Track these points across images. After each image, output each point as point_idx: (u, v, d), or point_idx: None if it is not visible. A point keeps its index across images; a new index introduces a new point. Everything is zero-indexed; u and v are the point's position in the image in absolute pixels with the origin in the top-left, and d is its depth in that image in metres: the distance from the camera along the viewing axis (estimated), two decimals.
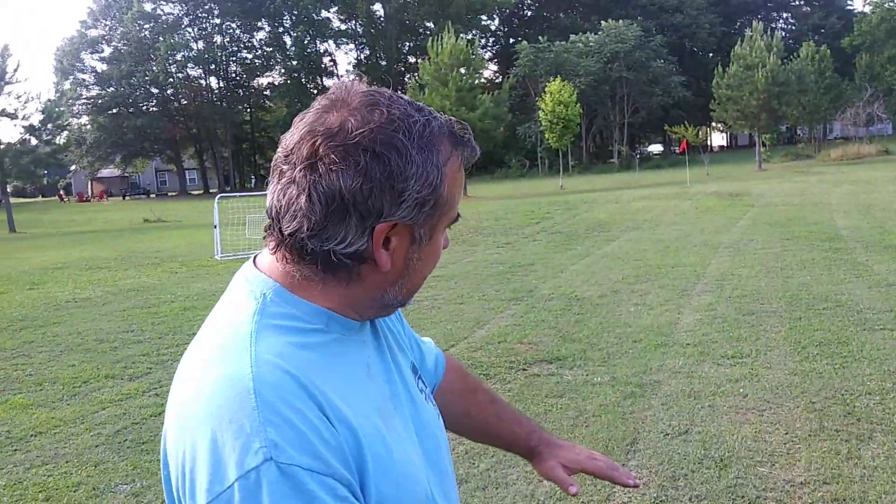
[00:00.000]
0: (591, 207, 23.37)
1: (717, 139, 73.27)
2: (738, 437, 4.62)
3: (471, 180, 38.54)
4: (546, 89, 43.16)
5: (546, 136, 44.06)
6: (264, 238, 1.04)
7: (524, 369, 6.29)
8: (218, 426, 0.88)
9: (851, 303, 7.98)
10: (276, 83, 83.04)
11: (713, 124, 57.62)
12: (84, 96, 71.92)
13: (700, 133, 57.82)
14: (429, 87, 35.42)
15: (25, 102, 33.23)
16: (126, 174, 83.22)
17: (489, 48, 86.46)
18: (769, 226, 15.35)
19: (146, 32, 73.21)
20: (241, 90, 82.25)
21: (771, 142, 48.32)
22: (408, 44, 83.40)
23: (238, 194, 25.70)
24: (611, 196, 28.06)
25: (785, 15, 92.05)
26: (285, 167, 0.97)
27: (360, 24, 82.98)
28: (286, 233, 0.98)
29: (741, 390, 5.45)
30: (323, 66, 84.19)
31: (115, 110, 72.65)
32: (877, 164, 36.85)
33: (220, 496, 0.86)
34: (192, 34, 78.15)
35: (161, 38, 71.14)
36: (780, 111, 43.61)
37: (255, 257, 1.09)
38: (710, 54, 78.56)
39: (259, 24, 79.45)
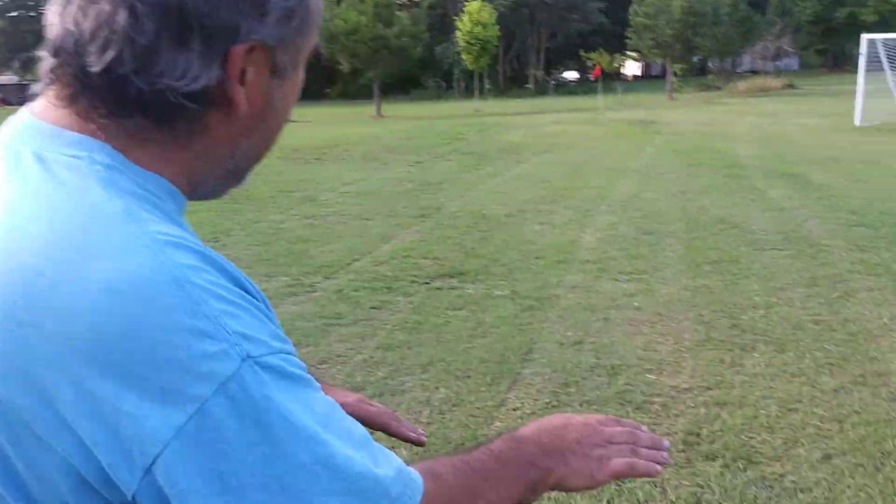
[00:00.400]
0: (504, 130, 23.38)
1: (632, 68, 74.10)
2: (629, 347, 4.76)
3: (386, 100, 37.99)
4: (465, 9, 42.53)
5: (463, 57, 43.61)
6: (46, 85, 0.74)
7: (427, 283, 6.32)
8: (144, 345, 0.62)
9: (745, 225, 8.27)
10: None
11: (628, 53, 58.11)
12: None
13: (615, 61, 58.24)
14: (345, 1, 34.44)
15: None
16: (25, 81, 79.01)
17: None
18: (675, 153, 15.68)
19: None
20: None
21: (683, 73, 49.07)
22: None
23: None
24: (524, 120, 28.11)
25: None
26: None
27: None
28: (95, 69, 0.68)
29: (635, 304, 5.61)
30: None
31: (14, 13, 68.40)
32: (782, 97, 37.95)
33: (183, 432, 0.61)
34: None
35: None
36: (693, 42, 44.27)
37: (30, 115, 0.75)
38: None
39: None
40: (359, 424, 0.72)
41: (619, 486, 3.20)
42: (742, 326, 5.06)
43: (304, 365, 0.71)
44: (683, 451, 3.48)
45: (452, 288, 6.15)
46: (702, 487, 3.18)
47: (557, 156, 16.05)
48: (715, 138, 18.49)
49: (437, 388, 4.24)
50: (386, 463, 0.70)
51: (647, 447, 0.95)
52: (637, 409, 3.92)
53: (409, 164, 15.25)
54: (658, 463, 0.94)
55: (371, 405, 1.23)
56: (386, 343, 4.92)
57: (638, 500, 3.11)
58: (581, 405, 3.98)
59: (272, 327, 0.70)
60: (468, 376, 4.38)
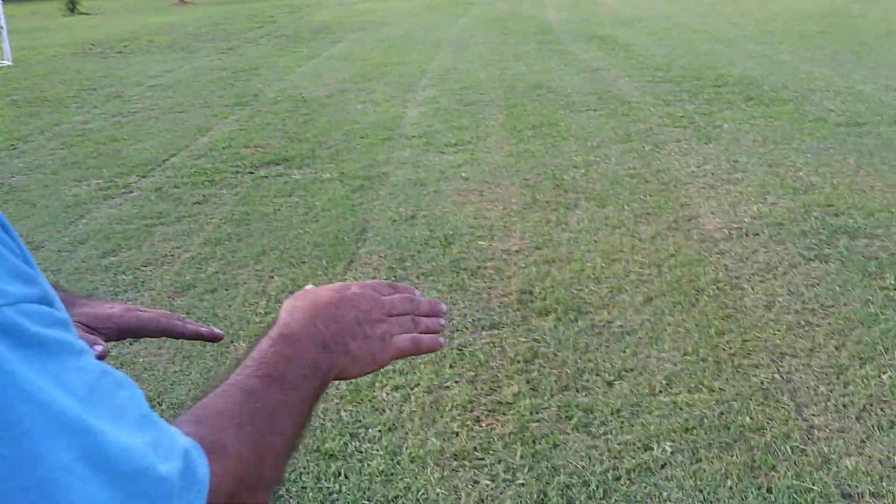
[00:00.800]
0: (314, 10, 22.50)
1: None
2: (460, 216, 4.84)
3: None
4: None
5: None
6: None
7: (251, 172, 6.10)
8: None
9: (561, 88, 8.48)
10: None
11: None
12: None
13: None
14: None
15: None
16: None
17: None
18: (488, 22, 15.70)
19: None
20: None
21: None
22: None
23: None
24: None
25: None
26: None
27: None
28: None
29: (463, 174, 5.68)
30: None
31: None
32: None
33: None
34: None
35: None
36: None
37: None
38: None
39: None
40: (137, 394, 0.55)
41: (461, 350, 3.30)
42: (565, 186, 5.25)
43: (61, 316, 0.53)
44: (518, 309, 3.62)
45: (279, 175, 5.97)
46: (538, 342, 3.33)
47: (372, 33, 15.68)
48: (525, 6, 18.64)
49: (272, 277, 4.16)
50: (171, 452, 0.54)
51: (426, 314, 0.86)
52: (472, 275, 4.01)
53: (220, 51, 14.43)
54: (437, 330, 0.86)
55: (144, 311, 1.03)
56: (214, 237, 4.74)
57: (479, 361, 3.22)
58: (418, 277, 4.03)
59: (13, 262, 0.52)
60: (303, 262, 4.32)
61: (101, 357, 0.89)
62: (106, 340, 0.98)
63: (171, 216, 5.17)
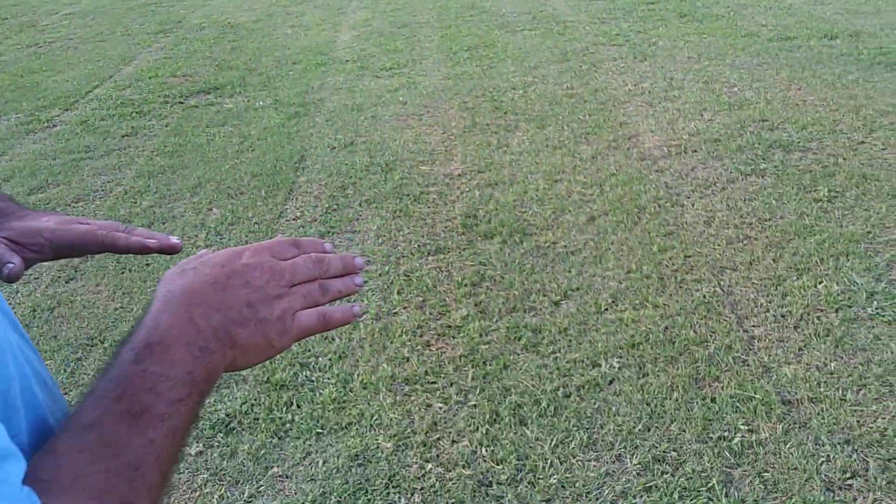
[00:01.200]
0: None
1: None
2: (400, 142, 4.77)
3: None
4: None
5: None
6: None
7: (181, 102, 5.89)
8: None
9: (495, 9, 8.34)
10: None
11: None
12: None
13: None
14: None
15: None
16: None
17: None
18: None
19: None
20: None
21: None
22: None
23: None
24: None
25: None
26: None
27: None
28: None
29: (401, 99, 5.58)
30: None
31: None
32: None
33: None
34: None
35: None
36: None
37: None
38: None
39: None
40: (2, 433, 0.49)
41: (408, 276, 3.29)
42: (504, 108, 5.20)
43: None
44: (463, 233, 3.61)
45: (210, 104, 5.79)
46: (484, 265, 3.34)
47: None
48: None
49: (210, 209, 4.07)
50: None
51: (338, 274, 0.72)
52: (415, 200, 3.98)
53: None
54: (351, 293, 0.72)
55: (85, 223, 0.88)
56: (146, 170, 4.59)
57: (427, 286, 3.21)
58: (360, 205, 3.98)
59: None
60: (242, 193, 4.22)
61: (11, 276, 0.79)
62: (38, 258, 0.85)
63: (99, 150, 4.98)
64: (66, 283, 3.46)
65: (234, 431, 2.51)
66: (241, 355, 0.64)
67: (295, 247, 0.71)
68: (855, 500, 2.08)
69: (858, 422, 2.34)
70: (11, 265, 0.80)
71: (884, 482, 2.12)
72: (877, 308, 2.85)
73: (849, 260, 3.15)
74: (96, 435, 0.55)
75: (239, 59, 7.07)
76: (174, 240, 0.89)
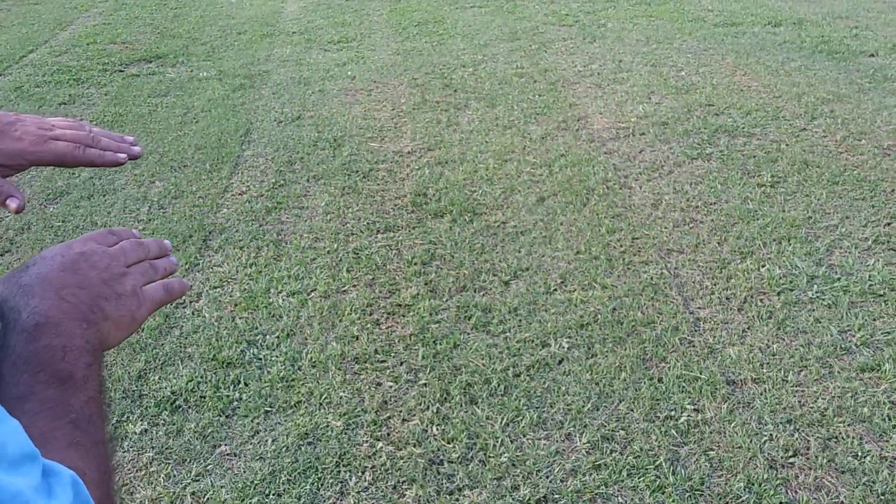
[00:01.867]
0: None
1: None
2: (349, 117, 4.71)
3: None
4: None
5: None
6: None
7: (121, 70, 5.72)
8: None
9: None
10: None
11: None
12: None
13: None
14: None
15: None
16: None
17: None
18: None
19: None
20: None
21: None
22: None
23: None
24: None
25: None
26: None
27: None
28: None
29: (349, 73, 5.50)
30: None
31: None
32: None
33: None
34: None
35: None
36: None
37: None
38: None
39: None
40: (14, 429, 0.51)
41: (357, 254, 3.26)
42: (454, 86, 5.17)
43: None
44: (413, 212, 3.59)
45: (151, 73, 5.63)
46: (434, 244, 3.32)
47: None
48: None
49: (152, 182, 3.96)
50: (60, 486, 0.50)
51: (157, 256, 0.78)
52: (364, 177, 3.94)
53: None
54: (174, 270, 0.79)
55: (58, 140, 0.90)
56: None
57: (376, 264, 3.19)
58: (308, 181, 3.92)
59: None
60: (185, 165, 4.12)
61: (17, 211, 0.85)
62: (17, 174, 0.90)
63: None
64: (1, 255, 3.34)
65: (180, 409, 2.46)
66: (113, 328, 0.68)
67: (113, 235, 0.75)
68: (797, 477, 2.14)
69: (800, 402, 2.40)
70: (16, 203, 0.85)
71: (824, 461, 2.18)
72: (817, 292, 2.92)
73: (790, 244, 3.23)
74: (36, 403, 0.58)
75: (182, 27, 6.88)
76: (136, 149, 0.95)
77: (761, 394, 2.44)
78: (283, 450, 2.29)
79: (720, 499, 2.09)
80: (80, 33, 6.75)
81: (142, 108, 4.93)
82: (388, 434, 2.35)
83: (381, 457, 2.25)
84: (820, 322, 2.76)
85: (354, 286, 3.05)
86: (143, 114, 4.84)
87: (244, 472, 2.23)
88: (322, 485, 2.18)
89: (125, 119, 4.75)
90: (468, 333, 2.76)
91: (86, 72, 5.67)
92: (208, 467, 2.25)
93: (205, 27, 6.86)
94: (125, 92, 5.25)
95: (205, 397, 2.50)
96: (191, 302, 2.99)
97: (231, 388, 2.54)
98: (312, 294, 3.01)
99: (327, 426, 2.37)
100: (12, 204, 0.84)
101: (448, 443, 2.29)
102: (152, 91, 5.25)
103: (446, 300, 2.95)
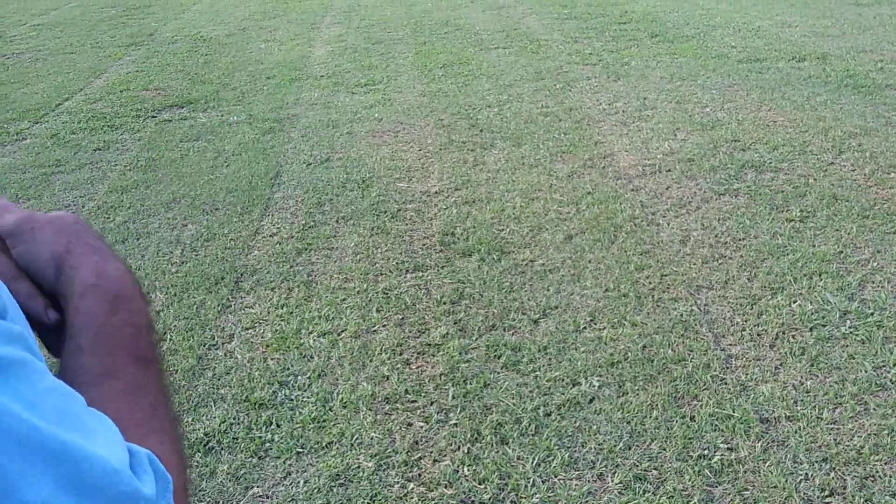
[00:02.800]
0: None
1: None
2: (376, 158, 4.77)
3: None
4: None
5: None
6: None
7: (154, 116, 5.84)
8: None
9: (469, 26, 8.40)
10: None
11: None
12: None
13: None
14: None
15: None
16: None
17: None
18: None
19: None
20: None
21: None
22: None
23: None
24: None
25: None
26: None
27: None
28: None
29: (376, 115, 5.58)
30: None
31: None
32: None
33: None
34: None
35: None
36: None
37: None
38: None
39: None
40: (95, 410, 0.51)
41: (387, 293, 3.29)
42: (480, 126, 5.23)
43: (16, 330, 0.49)
44: (441, 251, 3.62)
45: (183, 119, 5.74)
46: (463, 282, 3.34)
47: None
48: None
49: (185, 225, 4.03)
50: (143, 465, 0.51)
51: None
52: (392, 217, 3.98)
53: None
54: None
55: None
56: (119, 185, 4.54)
57: (406, 303, 3.21)
58: (338, 221, 3.97)
59: None
60: (217, 208, 4.19)
61: (57, 324, 0.69)
62: None
63: (70, 164, 4.92)
64: None
65: (213, 451, 2.48)
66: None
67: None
68: None
69: (835, 440, 2.37)
70: (55, 315, 0.68)
71: (861, 500, 2.15)
72: (850, 327, 2.90)
73: (821, 279, 3.21)
74: (121, 382, 0.58)
75: (212, 73, 7.03)
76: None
77: (796, 432, 2.41)
78: (315, 491, 2.30)
79: None
80: (114, 81, 6.92)
81: (174, 153, 5.03)
82: (420, 475, 2.35)
83: (412, 498, 2.26)
84: (854, 358, 2.73)
85: (384, 326, 3.07)
86: (176, 158, 4.94)
87: None
88: None
89: (158, 164, 4.84)
90: (498, 372, 2.77)
91: (120, 118, 5.81)
92: None
93: (234, 73, 7.00)
94: (158, 137, 5.36)
95: (237, 438, 2.52)
96: (223, 343, 3.03)
97: (263, 429, 2.56)
98: (343, 334, 3.03)
99: (358, 467, 2.38)
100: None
101: (479, 483, 2.29)
102: (184, 136, 5.36)
103: (476, 339, 2.95)
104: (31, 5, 11.51)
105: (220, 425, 2.58)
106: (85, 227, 0.67)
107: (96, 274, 0.61)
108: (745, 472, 2.27)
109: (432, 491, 2.27)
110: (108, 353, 0.59)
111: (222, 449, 2.49)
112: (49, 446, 0.44)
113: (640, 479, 2.27)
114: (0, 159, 5.03)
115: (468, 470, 2.34)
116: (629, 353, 2.81)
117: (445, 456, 2.41)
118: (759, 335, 2.89)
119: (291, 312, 3.19)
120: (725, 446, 2.37)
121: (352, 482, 2.32)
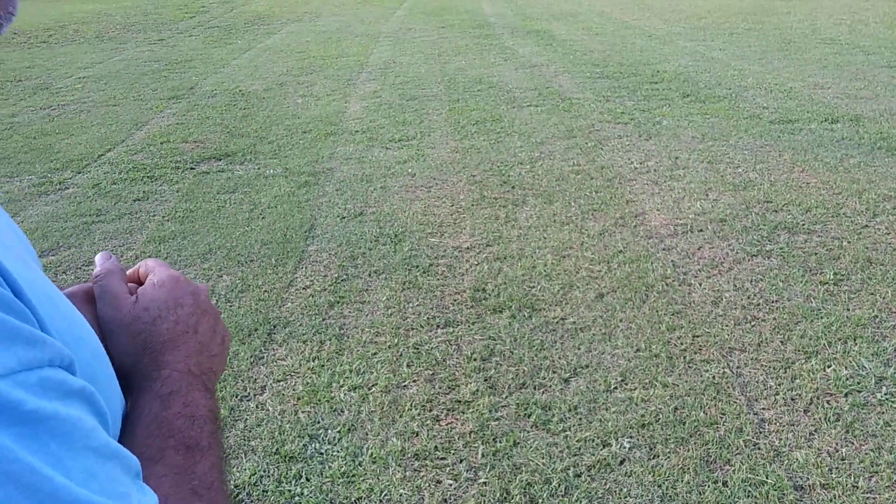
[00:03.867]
0: (248, 0, 22.12)
1: None
2: (409, 213, 4.83)
3: None
4: None
5: None
6: None
7: (192, 168, 5.97)
8: None
9: (502, 83, 8.53)
10: None
11: None
12: None
13: None
14: None
15: None
16: None
17: None
18: (425, 15, 15.67)
19: None
20: None
21: None
22: None
23: None
24: None
25: None
26: None
27: None
28: None
29: (409, 170, 5.66)
30: None
31: None
32: None
33: None
34: None
35: None
36: None
37: None
38: None
39: None
40: (136, 470, 0.54)
41: (418, 348, 3.30)
42: (511, 182, 5.28)
43: (75, 384, 0.50)
44: (472, 306, 3.63)
45: (221, 171, 5.87)
46: (493, 339, 3.35)
47: (308, 24, 15.48)
48: None
49: (220, 276, 4.09)
50: None
51: None
52: (424, 272, 4.01)
53: (151, 42, 14.07)
54: None
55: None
56: (157, 235, 4.63)
57: (436, 359, 3.22)
58: (370, 275, 4.01)
59: (10, 323, 0.47)
60: (252, 260, 4.25)
61: None
62: None
63: (110, 213, 5.04)
64: None
65: None
66: (219, 368, 0.75)
67: (163, 266, 0.79)
68: None
69: None
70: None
71: None
72: (886, 394, 2.86)
73: (857, 344, 3.17)
74: (164, 467, 0.62)
75: (250, 126, 7.19)
76: None
77: (830, 500, 2.37)
78: None
79: None
80: (154, 133, 7.09)
81: (211, 205, 5.13)
82: None
83: None
84: (890, 425, 2.69)
85: (414, 381, 3.08)
86: (213, 210, 5.03)
87: None
88: None
89: (195, 215, 4.94)
90: (528, 431, 2.76)
91: (159, 169, 5.94)
92: None
93: (272, 126, 7.15)
94: (196, 189, 5.48)
95: (267, 492, 2.53)
96: (255, 395, 3.05)
97: (293, 482, 2.57)
98: (373, 389, 3.04)
99: None
100: None
101: None
102: (221, 188, 5.47)
103: (506, 397, 2.95)
104: (79, 58, 11.88)
105: (250, 478, 2.59)
106: (198, 311, 0.74)
107: (161, 381, 0.67)
108: None
109: None
110: (155, 440, 0.63)
111: (252, 502, 2.50)
112: (60, 499, 0.44)
113: None
114: (43, 208, 5.16)
115: None
116: (660, 415, 2.80)
117: None
118: (792, 399, 2.86)
119: (323, 365, 3.21)
120: None
121: None
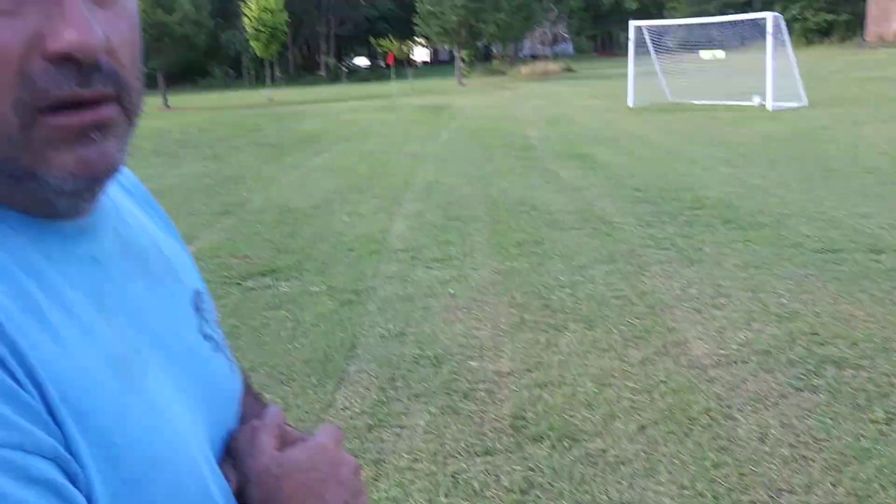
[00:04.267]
0: (299, 119, 23.01)
1: (421, 54, 75.64)
2: (449, 334, 4.85)
3: (172, 91, 36.28)
4: None
5: (252, 44, 42.38)
6: None
7: (239, 283, 6.10)
8: None
9: (544, 206, 8.66)
10: None
11: (416, 39, 59.45)
12: None
13: (404, 47, 59.13)
14: None
15: None
16: None
17: None
18: (470, 136, 16.12)
19: None
20: None
21: (469, 58, 50.68)
22: None
23: None
24: (320, 108, 27.81)
25: None
26: None
27: None
28: None
29: (451, 291, 5.71)
30: None
31: None
32: (561, 80, 40.06)
33: None
34: None
35: None
36: (477, 28, 45.99)
37: None
38: None
39: None
40: None
41: (455, 477, 3.25)
42: (553, 306, 5.30)
43: (36, 473, 0.49)
44: (512, 435, 3.59)
45: (267, 287, 5.98)
46: (533, 470, 3.30)
47: (356, 144, 16.01)
48: (506, 122, 19.19)
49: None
50: None
51: None
52: (464, 397, 3.99)
53: (205, 157, 14.65)
54: None
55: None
56: None
57: (474, 489, 3.17)
58: (409, 399, 4.00)
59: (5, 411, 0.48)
60: (293, 379, 4.28)
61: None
62: None
63: None
64: None
65: None
66: None
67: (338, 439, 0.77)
68: None
69: None
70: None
71: None
72: None
73: None
74: None
75: (296, 242, 7.36)
76: None
77: None
78: None
79: None
80: (204, 247, 7.29)
81: (255, 321, 5.21)
82: None
83: None
84: None
85: None
86: (257, 326, 5.11)
87: None
88: None
89: (240, 331, 5.01)
90: None
91: (208, 284, 5.97)
92: None
93: (317, 243, 7.31)
94: (242, 305, 5.58)
95: None
96: None
97: None
98: None
99: None
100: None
101: None
102: (266, 304, 5.56)
103: None
104: (136, 172, 12.29)
105: None
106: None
107: None
108: None
109: None
110: None
111: None
112: None
113: None
114: None
115: None
116: None
117: None
118: None
119: None
120: None
121: None
